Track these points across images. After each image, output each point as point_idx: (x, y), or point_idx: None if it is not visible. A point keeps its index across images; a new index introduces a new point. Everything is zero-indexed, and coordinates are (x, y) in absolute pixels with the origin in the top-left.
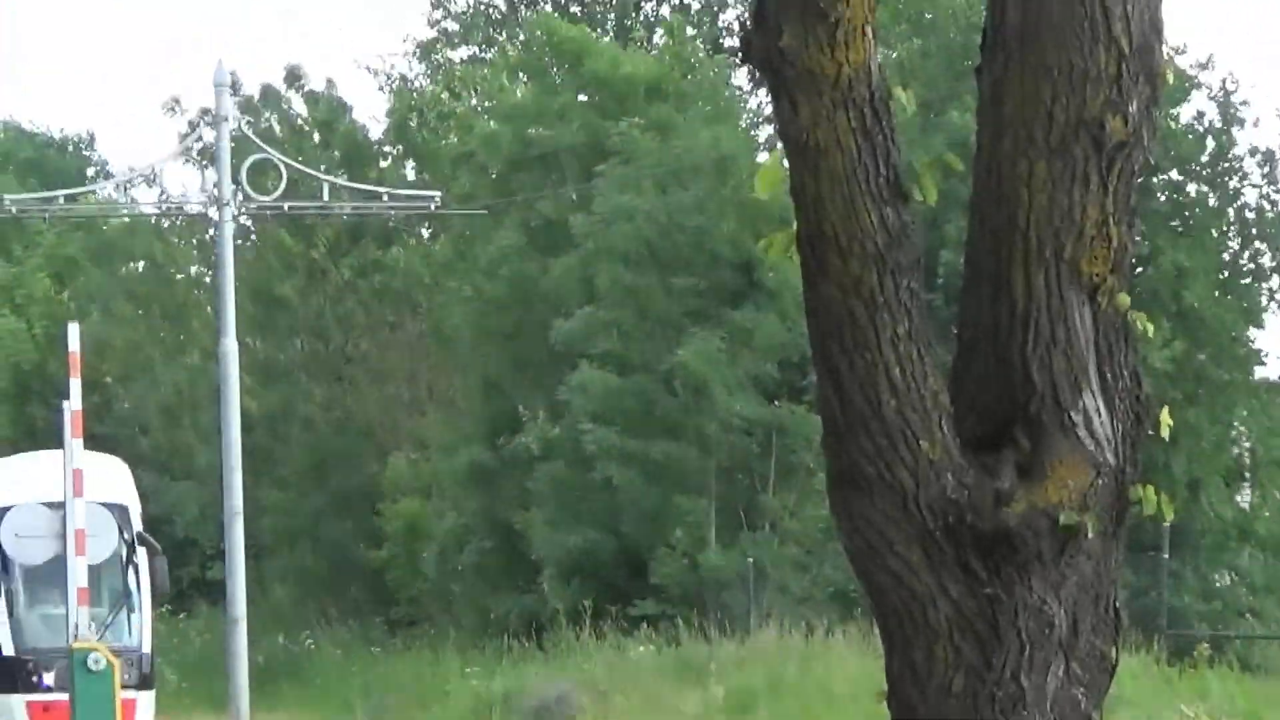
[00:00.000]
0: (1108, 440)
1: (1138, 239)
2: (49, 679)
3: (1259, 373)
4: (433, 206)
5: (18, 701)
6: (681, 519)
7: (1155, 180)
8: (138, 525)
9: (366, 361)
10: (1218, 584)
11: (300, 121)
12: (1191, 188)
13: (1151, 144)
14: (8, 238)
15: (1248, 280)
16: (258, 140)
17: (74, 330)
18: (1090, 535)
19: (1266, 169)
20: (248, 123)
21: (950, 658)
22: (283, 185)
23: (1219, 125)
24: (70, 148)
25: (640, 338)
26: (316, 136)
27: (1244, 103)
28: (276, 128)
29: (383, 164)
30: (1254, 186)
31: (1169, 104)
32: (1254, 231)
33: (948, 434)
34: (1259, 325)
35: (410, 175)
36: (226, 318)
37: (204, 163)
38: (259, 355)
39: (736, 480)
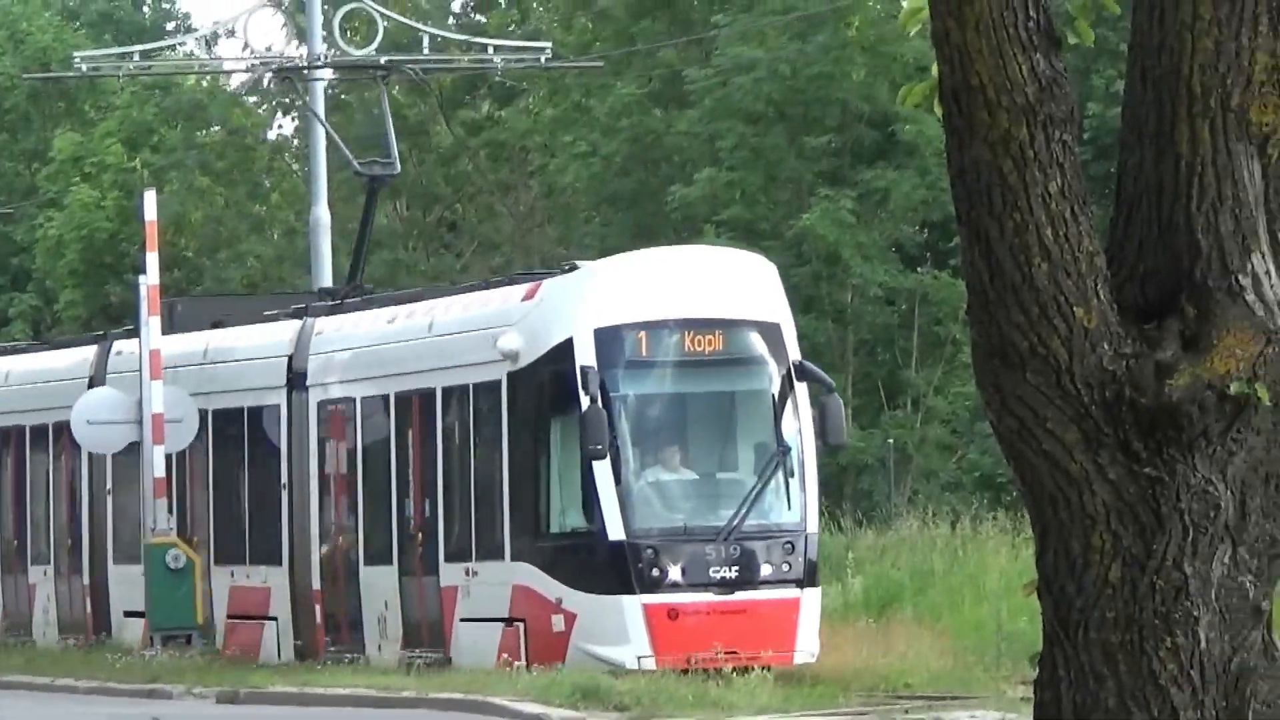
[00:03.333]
0: (1279, 305)
1: None
2: (674, 573)
3: None
4: (543, 59)
5: (631, 604)
6: None
7: None
8: (795, 352)
9: (475, 230)
10: None
11: None
12: None
13: None
14: (79, 99)
15: None
16: None
17: (150, 198)
18: (1260, 409)
19: None
20: None
21: (1108, 545)
22: (379, 37)
23: None
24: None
25: (767, 202)
26: None
27: None
28: None
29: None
30: None
31: None
32: None
33: (1105, 301)
34: None
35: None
36: (318, 184)
37: (293, 13)
38: (353, 225)
39: (876, 355)
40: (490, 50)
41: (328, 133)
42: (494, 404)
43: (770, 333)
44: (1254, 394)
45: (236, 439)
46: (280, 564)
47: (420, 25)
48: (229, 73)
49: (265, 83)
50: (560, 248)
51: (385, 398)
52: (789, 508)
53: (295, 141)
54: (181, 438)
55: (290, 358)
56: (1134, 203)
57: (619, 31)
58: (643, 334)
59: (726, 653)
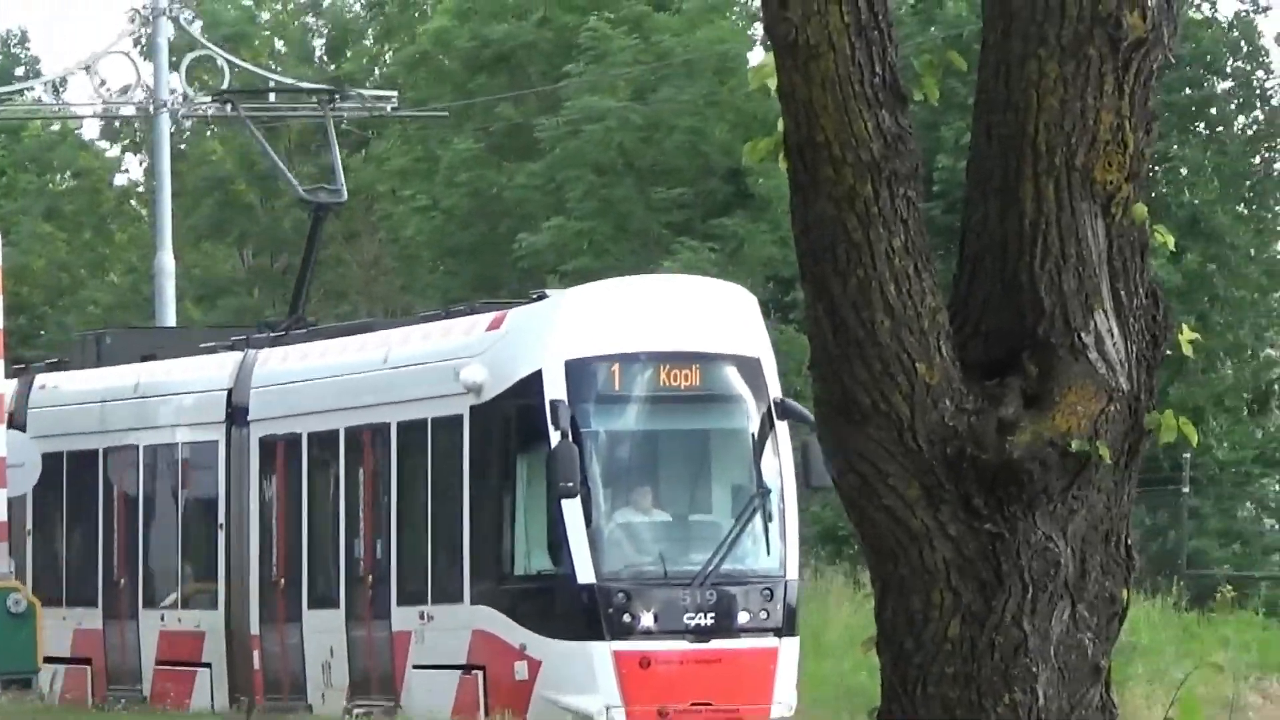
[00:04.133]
0: (1121, 364)
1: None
2: (647, 619)
3: None
4: (389, 109)
5: (601, 651)
6: None
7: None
8: (776, 389)
9: (320, 278)
10: (1240, 517)
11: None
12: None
13: (1172, 41)
14: None
15: (1271, 189)
16: (195, 34)
17: None
18: (1101, 467)
19: None
20: (192, 15)
21: (948, 601)
22: (226, 82)
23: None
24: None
25: (616, 252)
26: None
27: None
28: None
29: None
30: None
31: None
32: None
33: (947, 357)
34: None
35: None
36: (162, 229)
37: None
38: (200, 269)
39: None
40: (339, 99)
41: (268, 155)
42: (454, 439)
43: (750, 368)
44: (1095, 452)
45: (169, 477)
46: (215, 608)
47: (266, 72)
48: (78, 118)
49: (117, 125)
50: (406, 296)
51: (334, 432)
52: (768, 552)
53: (140, 187)
54: (23, 483)
55: (230, 391)
56: (978, 259)
57: (457, 86)
58: (616, 366)
59: (699, 704)
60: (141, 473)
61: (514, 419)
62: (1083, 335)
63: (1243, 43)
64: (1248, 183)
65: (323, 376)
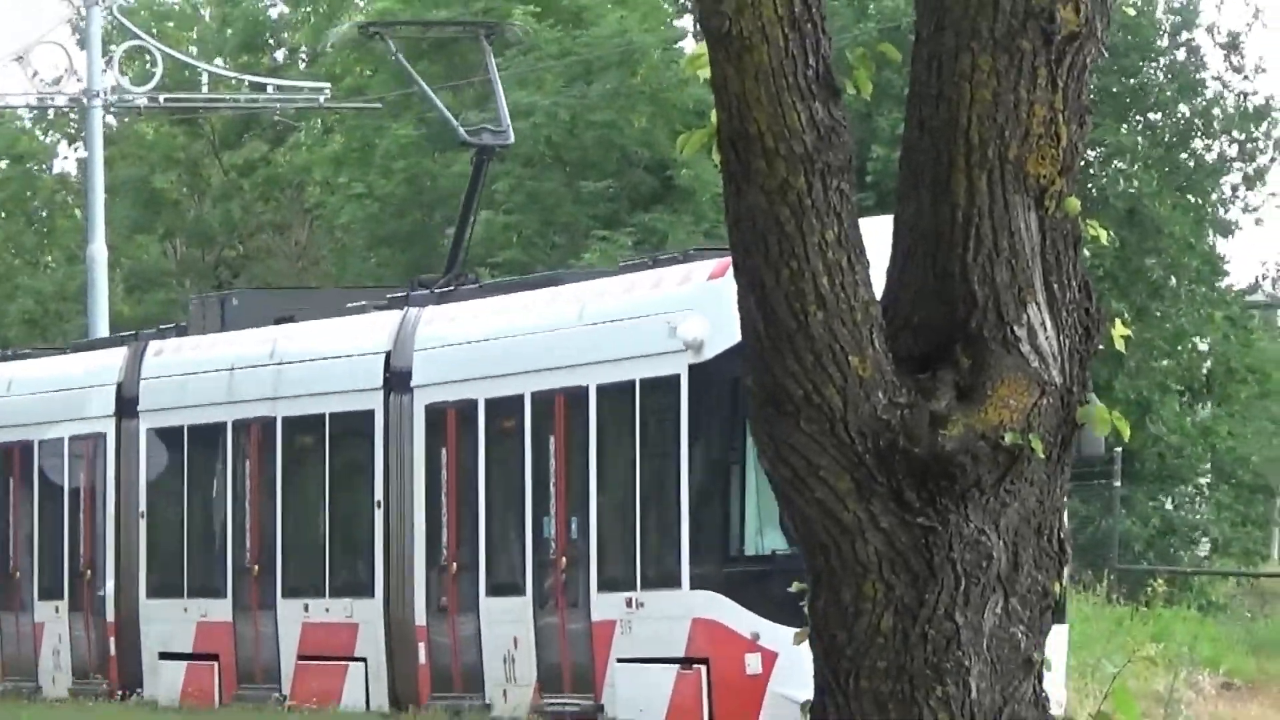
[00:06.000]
0: (1053, 357)
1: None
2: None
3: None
4: (322, 100)
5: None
6: None
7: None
8: None
9: (249, 268)
10: (1170, 508)
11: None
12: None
13: (1104, 35)
14: None
15: (1204, 177)
16: (128, 23)
17: None
18: (1033, 460)
19: (1227, 53)
20: (121, 5)
21: (880, 594)
22: (158, 74)
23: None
24: None
25: (543, 245)
26: (208, 15)
27: None
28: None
29: (278, 55)
30: (1215, 78)
31: None
32: (1217, 122)
33: (879, 350)
34: (1225, 234)
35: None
36: (96, 219)
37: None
38: (131, 260)
39: None
40: (269, 89)
41: (424, 91)
42: (669, 402)
43: None
44: (1028, 445)
45: (314, 450)
46: (372, 595)
47: (200, 63)
48: (10, 108)
49: (50, 113)
50: (338, 287)
51: (518, 398)
52: None
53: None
54: None
55: (389, 354)
56: (910, 252)
57: (396, 75)
58: None
59: None
60: (279, 447)
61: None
62: (1015, 328)
63: (1182, 33)
64: (1182, 172)
65: (503, 336)
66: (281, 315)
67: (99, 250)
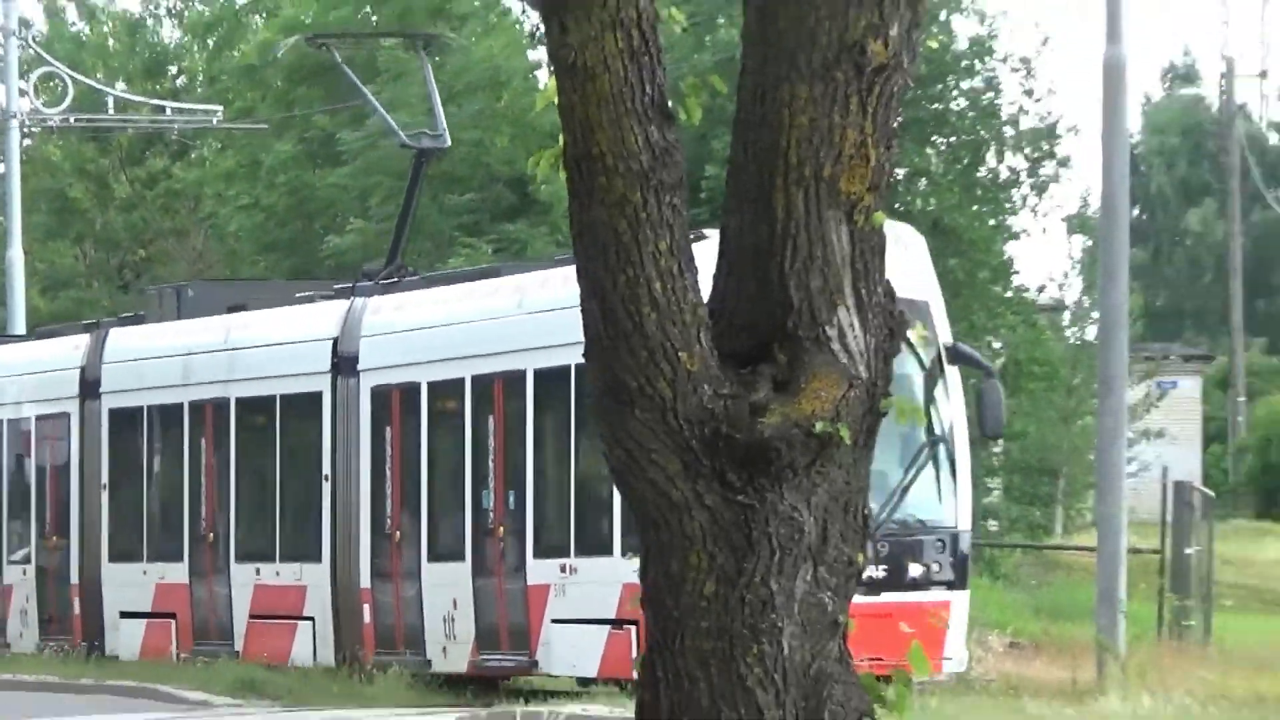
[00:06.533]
0: (861, 354)
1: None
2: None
3: (1015, 282)
4: (215, 120)
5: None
6: None
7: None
8: (946, 333)
9: (151, 270)
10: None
11: (106, 27)
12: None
13: (912, 67)
14: None
15: (997, 189)
16: (41, 51)
17: None
18: (842, 446)
19: (1024, 74)
20: (36, 35)
21: (704, 564)
22: (69, 98)
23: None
24: None
25: (411, 253)
26: (112, 44)
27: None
28: (86, 30)
29: (177, 79)
30: (1011, 104)
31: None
32: (1009, 141)
33: (706, 347)
34: (1014, 239)
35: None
36: (13, 227)
37: None
38: (45, 264)
39: None
40: (168, 111)
41: (368, 101)
42: None
43: (918, 311)
44: (837, 433)
45: (266, 429)
46: (319, 560)
47: (107, 88)
48: None
49: None
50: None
51: (459, 381)
52: (939, 502)
53: None
54: None
55: (336, 340)
56: (735, 260)
57: (279, 97)
58: None
59: (871, 659)
60: (233, 425)
61: None
62: (827, 329)
63: (977, 62)
64: (979, 190)
65: (445, 324)
66: (234, 304)
67: (16, 255)
